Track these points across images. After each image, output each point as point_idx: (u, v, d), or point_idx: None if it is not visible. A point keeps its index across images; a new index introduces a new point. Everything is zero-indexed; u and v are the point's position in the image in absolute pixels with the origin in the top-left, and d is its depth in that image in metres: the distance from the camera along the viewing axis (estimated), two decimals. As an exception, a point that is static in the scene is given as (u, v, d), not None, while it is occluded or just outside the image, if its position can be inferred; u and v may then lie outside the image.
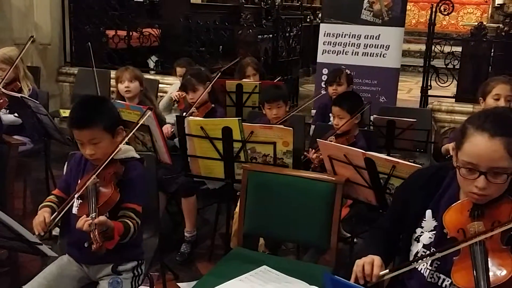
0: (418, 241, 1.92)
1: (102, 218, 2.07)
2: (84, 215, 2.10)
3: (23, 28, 6.38)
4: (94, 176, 2.20)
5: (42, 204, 2.34)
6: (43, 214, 2.22)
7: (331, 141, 3.30)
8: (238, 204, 3.00)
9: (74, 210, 2.30)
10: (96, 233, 2.03)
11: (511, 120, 1.72)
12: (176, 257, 3.73)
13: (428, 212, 1.91)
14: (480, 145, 1.67)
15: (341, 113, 3.53)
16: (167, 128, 3.95)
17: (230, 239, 3.31)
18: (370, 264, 1.82)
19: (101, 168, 2.22)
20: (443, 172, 1.93)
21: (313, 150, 3.42)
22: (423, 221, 1.92)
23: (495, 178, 1.68)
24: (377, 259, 1.83)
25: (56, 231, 3.21)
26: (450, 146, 3.16)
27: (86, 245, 2.10)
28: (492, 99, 3.35)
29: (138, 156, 2.47)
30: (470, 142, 1.70)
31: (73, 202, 2.26)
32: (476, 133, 1.69)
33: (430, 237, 1.89)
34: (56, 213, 2.24)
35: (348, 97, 3.69)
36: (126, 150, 2.44)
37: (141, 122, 2.46)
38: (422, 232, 1.92)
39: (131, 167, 2.37)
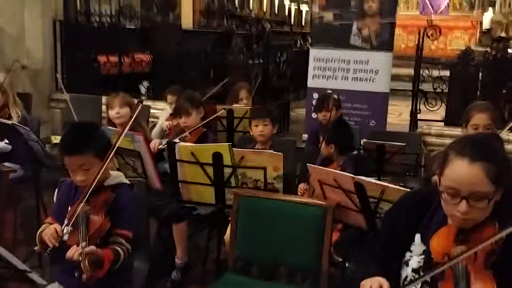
0: (407, 265, 1.92)
1: (91, 248, 2.08)
2: (75, 245, 2.11)
3: (14, 54, 6.39)
4: (83, 203, 2.20)
5: (41, 229, 2.32)
6: (53, 227, 2.21)
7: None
8: (229, 229, 3.00)
9: (65, 237, 2.28)
10: (86, 263, 2.03)
11: (490, 146, 1.76)
12: (167, 283, 3.70)
13: (417, 236, 1.92)
14: (460, 170, 1.69)
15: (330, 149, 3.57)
16: (154, 143, 3.94)
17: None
18: (378, 286, 1.75)
19: (88, 194, 2.22)
20: (431, 196, 1.93)
21: (304, 186, 3.42)
22: (412, 245, 1.92)
23: (477, 202, 1.69)
24: (385, 282, 1.78)
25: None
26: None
27: (76, 275, 2.10)
28: (472, 129, 3.33)
29: (128, 182, 2.48)
30: (450, 167, 1.72)
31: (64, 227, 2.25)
32: (456, 159, 1.71)
33: (419, 261, 1.89)
34: (65, 224, 2.23)
35: (335, 127, 3.70)
36: (116, 176, 2.45)
37: (127, 129, 2.49)
38: (411, 256, 1.92)
39: (121, 193, 2.38)
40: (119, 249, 2.23)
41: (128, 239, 2.29)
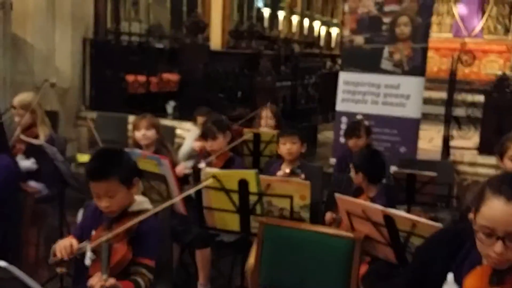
0: (439, 305, 1.83)
1: (111, 281, 2.04)
2: (97, 274, 2.08)
3: (44, 72, 6.46)
4: (111, 235, 2.17)
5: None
6: (70, 240, 2.22)
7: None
8: (251, 257, 2.94)
9: (88, 262, 2.26)
10: None
11: None
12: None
13: (450, 275, 1.83)
14: (496, 209, 1.62)
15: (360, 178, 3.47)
16: (180, 168, 3.90)
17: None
18: None
19: (118, 231, 2.20)
20: (466, 233, 1.85)
21: (332, 215, 3.32)
22: (444, 284, 1.83)
23: None
24: None
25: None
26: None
27: None
28: (509, 161, 3.18)
29: (151, 208, 2.43)
30: (486, 205, 1.65)
31: (87, 252, 2.24)
32: (492, 197, 1.64)
33: (451, 301, 1.80)
34: (83, 244, 2.23)
35: (365, 156, 3.58)
36: (140, 202, 2.43)
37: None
38: (443, 295, 1.83)
39: (145, 220, 2.33)
40: (140, 280, 2.20)
41: (150, 268, 2.27)
